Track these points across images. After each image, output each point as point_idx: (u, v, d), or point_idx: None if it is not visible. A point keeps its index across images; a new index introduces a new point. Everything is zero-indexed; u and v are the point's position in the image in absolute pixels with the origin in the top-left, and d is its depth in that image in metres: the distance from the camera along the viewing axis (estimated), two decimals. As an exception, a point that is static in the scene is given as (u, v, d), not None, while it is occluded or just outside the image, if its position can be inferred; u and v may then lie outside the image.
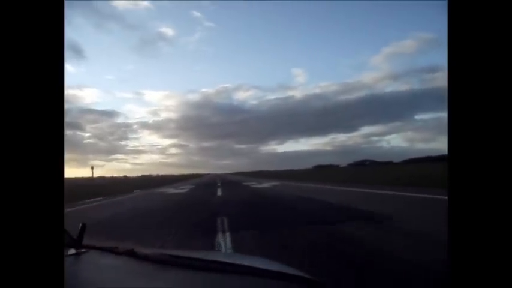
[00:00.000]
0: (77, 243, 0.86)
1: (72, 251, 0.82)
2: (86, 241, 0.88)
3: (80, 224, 0.88)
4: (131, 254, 0.79)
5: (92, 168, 27.76)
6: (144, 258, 0.78)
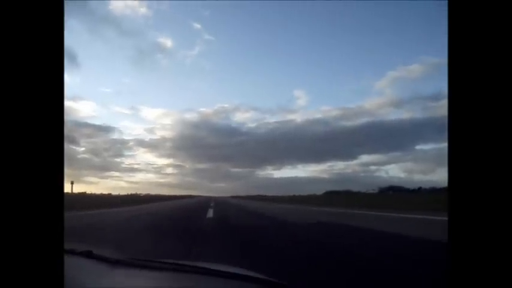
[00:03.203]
0: None
1: None
2: None
3: None
4: (88, 255, 0.81)
5: (72, 183, 27.31)
6: (102, 259, 0.78)
